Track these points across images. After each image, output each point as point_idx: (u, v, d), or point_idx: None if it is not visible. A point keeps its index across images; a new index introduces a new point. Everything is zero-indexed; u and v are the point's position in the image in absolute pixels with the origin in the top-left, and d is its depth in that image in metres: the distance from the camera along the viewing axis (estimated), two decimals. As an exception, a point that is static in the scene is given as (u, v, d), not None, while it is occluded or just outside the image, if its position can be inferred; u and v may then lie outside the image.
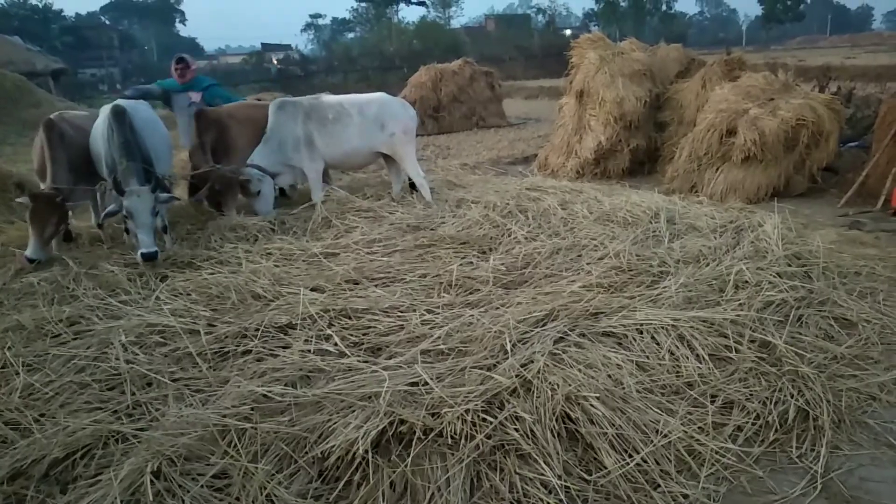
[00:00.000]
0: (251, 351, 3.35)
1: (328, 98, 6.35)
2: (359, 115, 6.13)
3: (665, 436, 2.63)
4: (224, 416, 2.71)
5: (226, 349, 3.40)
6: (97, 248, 5.24)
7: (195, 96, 6.42)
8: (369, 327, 3.54)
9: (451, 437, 2.56)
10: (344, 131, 6.06)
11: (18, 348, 3.44)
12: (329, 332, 3.45)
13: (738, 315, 3.49)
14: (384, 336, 3.45)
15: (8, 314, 3.90)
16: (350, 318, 3.63)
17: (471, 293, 3.98)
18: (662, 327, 3.33)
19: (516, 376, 2.87)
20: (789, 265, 4.25)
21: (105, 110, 5.01)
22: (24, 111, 15.70)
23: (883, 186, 6.42)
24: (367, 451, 2.47)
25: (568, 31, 48.86)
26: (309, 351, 3.28)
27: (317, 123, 6.03)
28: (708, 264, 4.26)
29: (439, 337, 3.34)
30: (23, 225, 5.72)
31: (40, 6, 54.48)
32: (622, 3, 60.93)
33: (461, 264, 4.36)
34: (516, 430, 2.60)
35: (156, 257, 4.59)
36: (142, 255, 4.54)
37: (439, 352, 3.24)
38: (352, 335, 3.45)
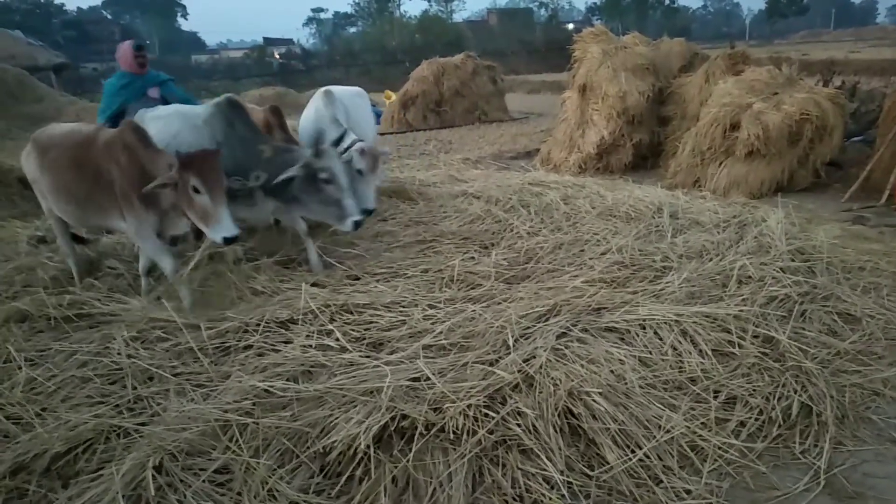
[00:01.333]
0: (252, 346, 3.35)
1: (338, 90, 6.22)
2: (365, 107, 6.08)
3: (668, 431, 2.63)
4: (225, 411, 2.70)
5: (227, 344, 3.39)
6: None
7: (154, 92, 5.45)
8: (371, 322, 3.53)
9: (453, 433, 2.55)
10: (359, 124, 5.94)
11: (20, 343, 3.45)
12: (330, 327, 3.44)
13: (742, 310, 3.48)
14: (386, 331, 3.44)
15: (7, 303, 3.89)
16: (351, 313, 3.62)
17: (473, 288, 3.98)
18: (665, 322, 3.31)
19: (518, 371, 2.87)
20: (793, 260, 4.23)
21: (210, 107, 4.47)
22: (26, 106, 15.72)
23: (887, 181, 6.38)
24: (368, 447, 2.47)
25: (571, 25, 48.83)
26: (311, 346, 3.27)
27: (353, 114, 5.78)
28: (711, 259, 4.25)
29: (441, 332, 3.33)
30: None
31: (42, 0, 54.44)
32: (625, -3, 60.81)
33: (463, 259, 4.35)
34: (518, 425, 2.60)
35: (363, 223, 4.27)
36: (354, 223, 4.11)
37: (441, 347, 3.23)
38: (353, 330, 3.44)
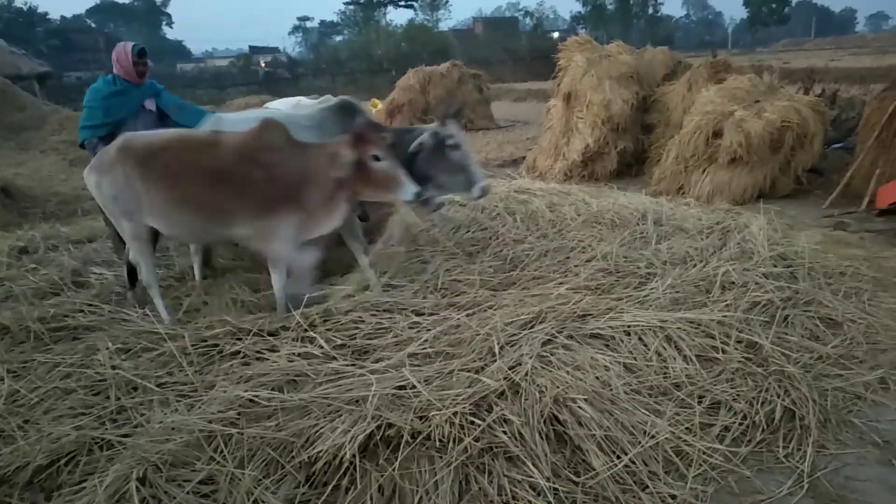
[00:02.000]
0: (239, 352, 3.31)
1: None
2: None
3: (653, 437, 2.64)
4: (210, 422, 2.68)
5: (211, 353, 3.36)
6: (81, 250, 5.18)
7: (150, 104, 4.70)
8: (356, 329, 3.51)
9: (439, 441, 2.55)
10: None
11: (2, 354, 3.40)
12: (314, 334, 3.42)
13: (725, 316, 3.51)
14: (370, 339, 3.42)
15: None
16: (336, 321, 3.60)
17: (458, 296, 3.97)
18: (650, 328, 3.33)
19: (504, 379, 2.87)
20: (775, 266, 4.27)
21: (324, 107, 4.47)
22: (9, 115, 15.55)
23: (867, 187, 6.48)
24: (354, 456, 2.46)
25: (555, 34, 49.11)
26: (296, 354, 3.25)
27: None
28: (695, 265, 4.28)
29: (426, 340, 3.32)
30: None
31: (25, 9, 54.07)
32: (609, 6, 61.40)
33: (448, 268, 4.34)
34: (504, 432, 2.60)
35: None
36: (482, 188, 4.17)
37: (426, 355, 3.23)
38: (337, 337, 3.42)
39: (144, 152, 3.62)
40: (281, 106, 6.01)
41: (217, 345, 3.41)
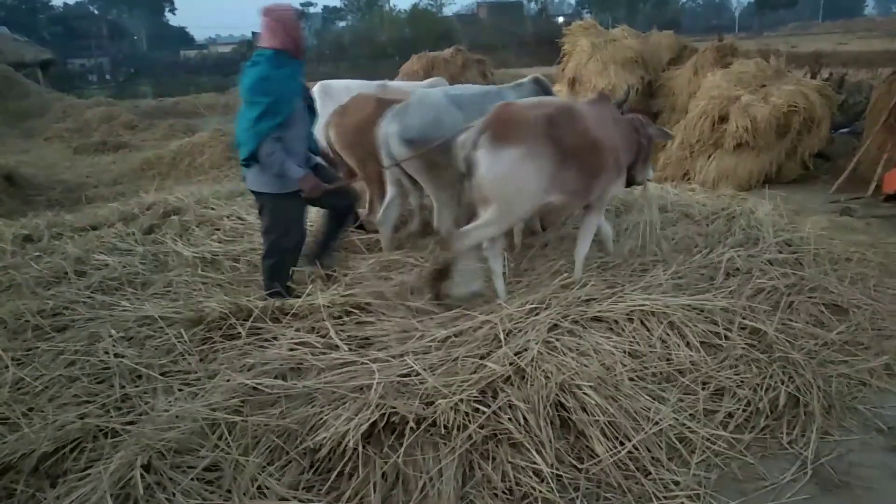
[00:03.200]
0: (240, 335, 3.30)
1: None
2: None
3: (656, 423, 2.64)
4: (214, 410, 2.69)
5: (214, 340, 3.34)
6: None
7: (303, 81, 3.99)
8: (362, 319, 3.50)
9: (444, 427, 2.55)
10: None
11: (7, 342, 3.41)
12: (322, 322, 3.41)
13: (729, 302, 3.49)
14: (374, 326, 3.41)
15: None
16: (342, 314, 3.58)
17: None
18: (653, 313, 3.31)
19: (510, 364, 2.86)
20: (780, 252, 4.25)
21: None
22: (12, 102, 15.60)
23: (874, 172, 6.43)
24: (358, 443, 2.46)
25: (560, 19, 48.70)
26: (300, 343, 3.24)
27: None
28: (700, 252, 4.26)
29: (431, 328, 3.31)
30: None
31: (28, -4, 53.86)
32: (614, -10, 60.87)
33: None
34: (509, 419, 2.60)
35: None
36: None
37: (431, 342, 3.21)
38: (342, 331, 3.41)
39: (553, 120, 3.44)
40: (361, 87, 5.86)
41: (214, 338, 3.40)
